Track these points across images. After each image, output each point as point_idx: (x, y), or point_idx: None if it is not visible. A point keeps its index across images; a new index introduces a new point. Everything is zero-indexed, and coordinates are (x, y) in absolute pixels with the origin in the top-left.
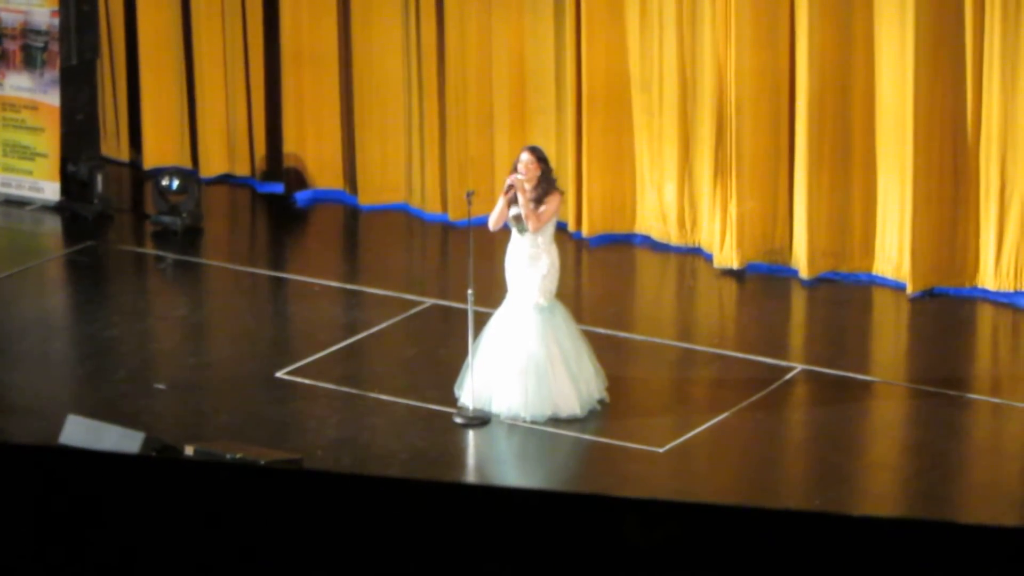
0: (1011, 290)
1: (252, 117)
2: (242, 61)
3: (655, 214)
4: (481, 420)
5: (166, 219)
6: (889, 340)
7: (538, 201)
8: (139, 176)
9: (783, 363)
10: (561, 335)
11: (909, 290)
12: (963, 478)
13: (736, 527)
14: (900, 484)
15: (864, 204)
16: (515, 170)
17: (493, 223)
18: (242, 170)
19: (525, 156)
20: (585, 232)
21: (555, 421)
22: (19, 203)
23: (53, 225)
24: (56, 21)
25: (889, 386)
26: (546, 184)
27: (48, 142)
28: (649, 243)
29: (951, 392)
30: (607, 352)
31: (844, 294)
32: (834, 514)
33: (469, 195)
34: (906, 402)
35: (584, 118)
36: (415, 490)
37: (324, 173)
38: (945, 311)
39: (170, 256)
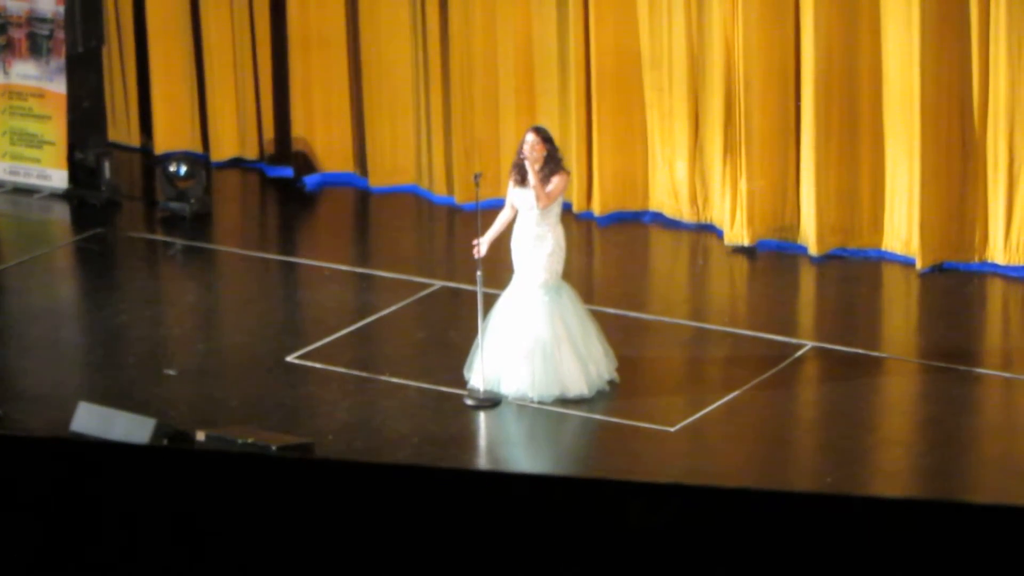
0: (1021, 264)
1: (261, 101)
2: (250, 45)
3: (667, 191)
4: (491, 402)
5: (174, 205)
6: (899, 316)
7: (545, 181)
8: (149, 162)
9: (794, 340)
10: (568, 315)
11: (919, 266)
12: (975, 453)
13: (744, 509)
14: (912, 460)
15: (873, 180)
16: (520, 152)
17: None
18: (252, 154)
19: (531, 137)
20: (597, 211)
21: (563, 401)
22: (27, 191)
23: (61, 213)
24: (61, 9)
25: (900, 362)
26: (552, 164)
27: (55, 130)
28: (661, 220)
29: (962, 367)
30: (617, 332)
31: (854, 270)
32: (842, 496)
33: (477, 177)
34: (917, 378)
35: (594, 97)
36: (423, 476)
37: (333, 156)
38: (955, 286)
39: (179, 242)
